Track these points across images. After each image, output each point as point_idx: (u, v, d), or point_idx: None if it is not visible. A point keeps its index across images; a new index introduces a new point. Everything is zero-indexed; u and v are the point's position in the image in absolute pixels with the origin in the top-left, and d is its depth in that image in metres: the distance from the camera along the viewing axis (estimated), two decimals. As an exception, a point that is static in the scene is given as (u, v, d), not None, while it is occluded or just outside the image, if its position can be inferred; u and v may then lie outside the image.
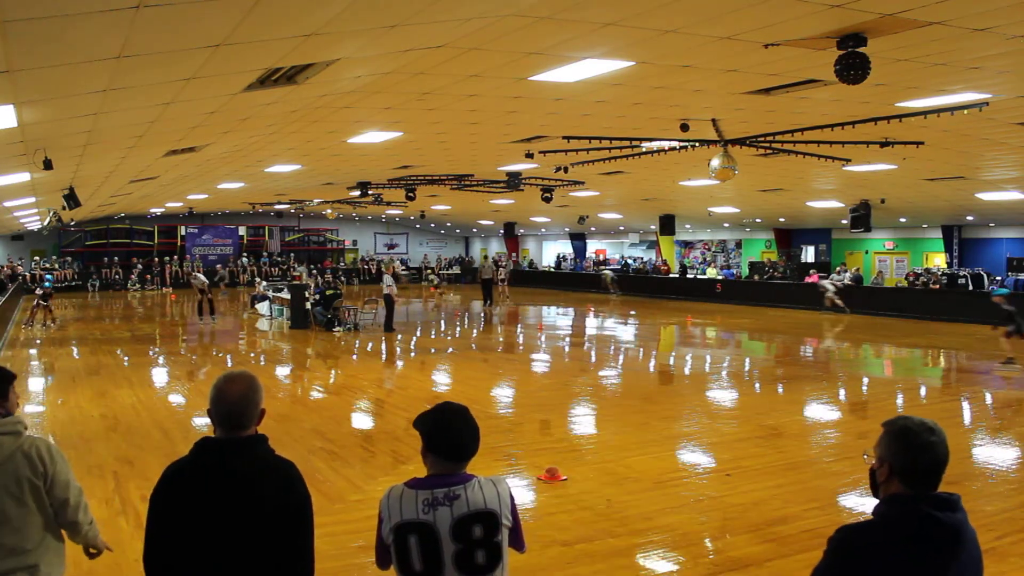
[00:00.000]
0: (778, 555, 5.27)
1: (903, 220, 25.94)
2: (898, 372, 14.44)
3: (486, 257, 33.05)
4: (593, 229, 38.12)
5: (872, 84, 7.40)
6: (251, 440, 2.53)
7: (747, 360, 15.36)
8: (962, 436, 8.64)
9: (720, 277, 30.82)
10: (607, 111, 10.24)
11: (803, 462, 7.66)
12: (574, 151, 12.58)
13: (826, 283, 24.34)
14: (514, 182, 18.58)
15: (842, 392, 11.65)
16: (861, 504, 6.33)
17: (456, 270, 43.55)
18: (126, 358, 14.63)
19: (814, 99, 9.31)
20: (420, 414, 2.62)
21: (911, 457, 2.11)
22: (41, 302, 19.60)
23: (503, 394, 11.54)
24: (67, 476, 3.08)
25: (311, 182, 21.39)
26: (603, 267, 36.07)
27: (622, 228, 37.32)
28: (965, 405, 10.71)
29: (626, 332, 20.29)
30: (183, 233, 39.46)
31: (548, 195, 19.98)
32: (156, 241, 39.08)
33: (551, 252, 44.99)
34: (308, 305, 19.43)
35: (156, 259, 37.98)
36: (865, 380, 13.04)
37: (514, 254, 44.35)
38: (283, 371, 13.68)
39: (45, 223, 23.13)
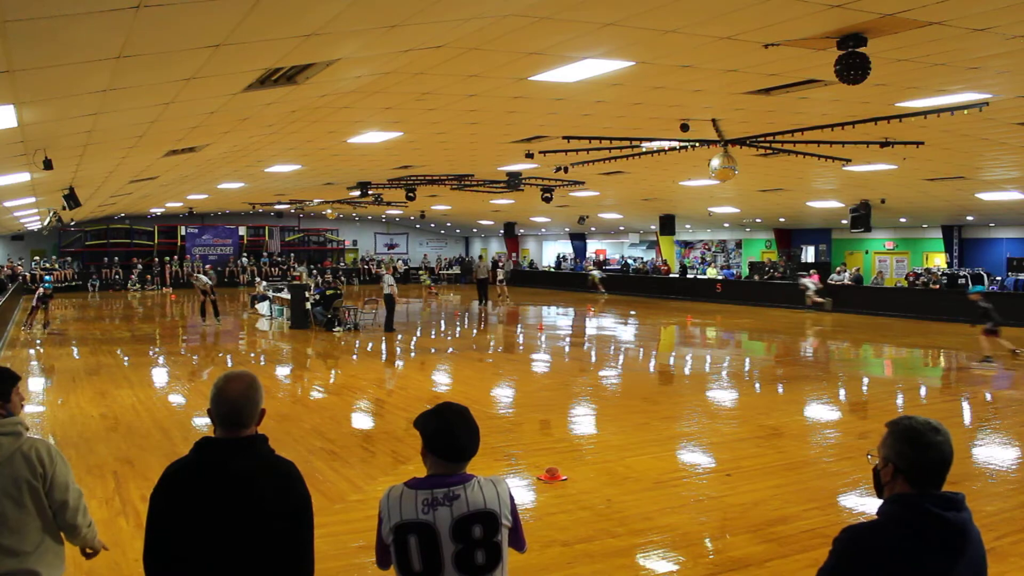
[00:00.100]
0: (778, 555, 5.27)
1: (903, 220, 25.95)
2: (898, 372, 14.45)
3: (481, 257, 33.44)
4: (593, 229, 38.13)
5: (872, 84, 7.41)
6: (251, 440, 2.54)
7: (747, 360, 15.36)
8: (962, 436, 8.64)
9: (720, 277, 30.83)
10: (607, 111, 10.24)
11: (803, 462, 7.66)
12: (574, 151, 12.58)
13: (806, 281, 24.84)
14: (514, 182, 18.57)
15: (842, 392, 11.64)
16: (861, 504, 6.33)
17: (456, 270, 43.57)
18: (126, 358, 14.63)
19: (814, 99, 9.31)
20: (420, 414, 2.62)
21: (916, 457, 2.11)
22: (40, 304, 18.90)
23: (503, 394, 11.54)
24: (66, 478, 3.07)
25: (311, 182, 21.39)
26: (590, 268, 36.33)
27: (622, 228, 37.32)
28: (965, 405, 10.72)
29: (626, 332, 20.29)
30: (183, 233, 39.47)
31: (548, 195, 19.98)
32: (156, 241, 39.10)
33: (551, 252, 44.99)
34: (308, 305, 19.43)
35: (156, 259, 37.99)
36: (865, 380, 13.04)
37: (514, 254, 44.36)
38: (283, 371, 13.68)
39: (45, 223, 23.15)
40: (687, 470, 7.51)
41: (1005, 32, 6.40)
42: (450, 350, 16.25)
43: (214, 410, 2.53)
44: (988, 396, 11.31)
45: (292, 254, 41.64)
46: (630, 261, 38.87)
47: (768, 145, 11.72)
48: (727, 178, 11.01)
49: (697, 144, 11.64)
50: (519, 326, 21.94)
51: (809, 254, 31.39)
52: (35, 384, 12.07)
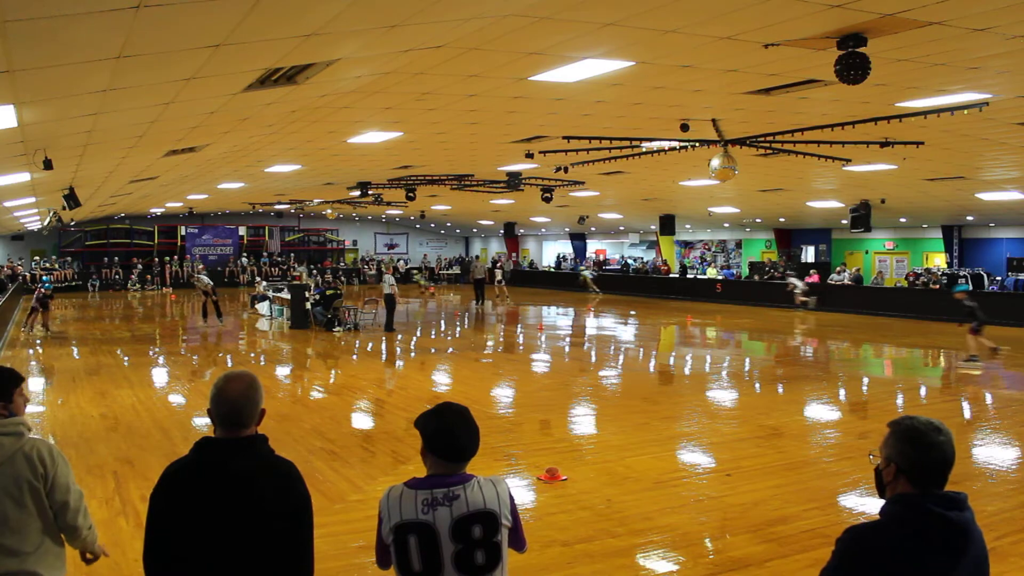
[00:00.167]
0: (778, 555, 5.27)
1: (903, 220, 25.95)
2: (898, 372, 14.46)
3: (477, 257, 33.78)
4: (593, 229, 38.13)
5: (872, 84, 7.41)
6: (251, 440, 2.54)
7: (747, 360, 15.36)
8: (962, 436, 8.64)
9: (720, 277, 30.83)
10: (607, 111, 10.24)
11: (803, 462, 7.66)
12: (574, 151, 12.59)
13: (795, 280, 25.43)
14: (514, 182, 18.58)
15: (842, 392, 11.64)
16: (861, 504, 6.33)
17: (456, 270, 43.58)
18: (126, 358, 14.63)
19: (814, 99, 9.31)
20: (421, 414, 2.62)
21: (919, 457, 2.11)
22: (38, 306, 18.19)
23: (503, 394, 11.54)
24: (67, 479, 3.07)
25: (311, 182, 21.39)
26: (581, 268, 36.53)
27: (622, 228, 37.32)
28: (965, 405, 10.72)
29: (626, 332, 20.30)
30: (183, 233, 39.48)
31: (548, 195, 19.98)
32: (156, 241, 39.11)
33: (551, 252, 44.99)
34: (308, 305, 19.44)
35: (156, 259, 38.00)
36: (865, 380, 13.04)
37: (514, 254, 44.36)
38: (283, 371, 13.68)
39: (45, 223, 23.16)
40: (687, 470, 7.51)
41: (1005, 32, 6.40)
42: (450, 350, 16.25)
43: (214, 410, 2.53)
44: (988, 396, 11.31)
45: (292, 254, 41.65)
46: (630, 261, 38.88)
47: (768, 145, 11.73)
48: (727, 178, 11.02)
49: (697, 144, 11.64)
50: (519, 326, 21.94)
51: (809, 254, 31.39)
52: (35, 384, 12.07)
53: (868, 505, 6.25)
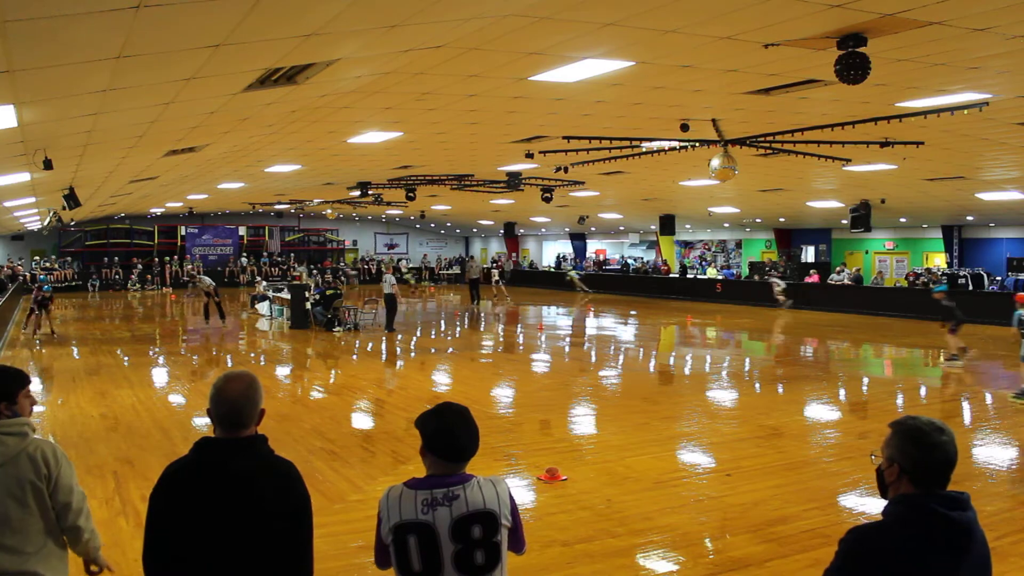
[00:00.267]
0: (778, 555, 5.27)
1: (903, 220, 25.96)
2: (898, 372, 14.45)
3: (472, 257, 34.07)
4: (593, 229, 38.13)
5: (872, 84, 7.41)
6: (251, 440, 2.54)
7: (747, 360, 15.36)
8: (962, 436, 8.64)
9: (720, 277, 30.84)
10: (607, 111, 10.24)
11: (803, 462, 7.66)
12: (574, 151, 12.59)
13: (776, 281, 26.05)
14: (514, 182, 18.58)
15: (842, 392, 11.64)
16: (861, 504, 6.34)
17: (456, 270, 43.59)
18: (126, 358, 14.63)
19: (814, 99, 9.31)
20: (421, 414, 2.62)
21: (922, 457, 2.11)
22: (36, 309, 17.79)
23: (503, 394, 11.54)
24: (71, 481, 3.07)
25: (311, 182, 21.40)
26: (569, 268, 36.61)
27: (622, 228, 37.33)
28: (965, 405, 10.72)
29: (626, 332, 20.30)
30: (183, 233, 39.49)
31: (548, 195, 19.98)
32: (156, 241, 39.11)
33: (551, 252, 44.99)
34: (308, 305, 19.44)
35: (156, 259, 38.00)
36: (865, 380, 13.04)
37: (514, 254, 44.36)
38: (283, 371, 13.68)
39: (45, 223, 23.17)
40: (687, 470, 7.50)
41: (1005, 32, 6.40)
42: (450, 350, 16.25)
43: (214, 410, 2.53)
44: (988, 397, 11.30)
45: (292, 254, 41.66)
46: (630, 261, 38.88)
47: (768, 145, 11.73)
48: (727, 178, 11.02)
49: (697, 144, 11.64)
50: (519, 326, 21.95)
51: (809, 254, 31.40)
52: (35, 384, 12.07)
53: (868, 505, 6.26)
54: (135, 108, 7.40)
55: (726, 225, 32.37)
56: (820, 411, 10.29)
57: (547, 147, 13.01)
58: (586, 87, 8.69)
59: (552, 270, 41.42)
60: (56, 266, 35.45)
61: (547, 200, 20.26)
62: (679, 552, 5.37)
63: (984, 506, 6.18)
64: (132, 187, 18.39)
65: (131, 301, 29.94)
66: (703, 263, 36.14)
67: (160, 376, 13.01)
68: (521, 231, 42.68)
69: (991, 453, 8.06)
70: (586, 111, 10.28)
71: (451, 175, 19.22)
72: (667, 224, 26.19)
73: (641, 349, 17.07)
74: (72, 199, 12.24)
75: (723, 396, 11.15)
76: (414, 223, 44.32)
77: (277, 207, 31.86)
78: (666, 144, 12.04)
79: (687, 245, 37.62)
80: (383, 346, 16.66)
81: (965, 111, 9.19)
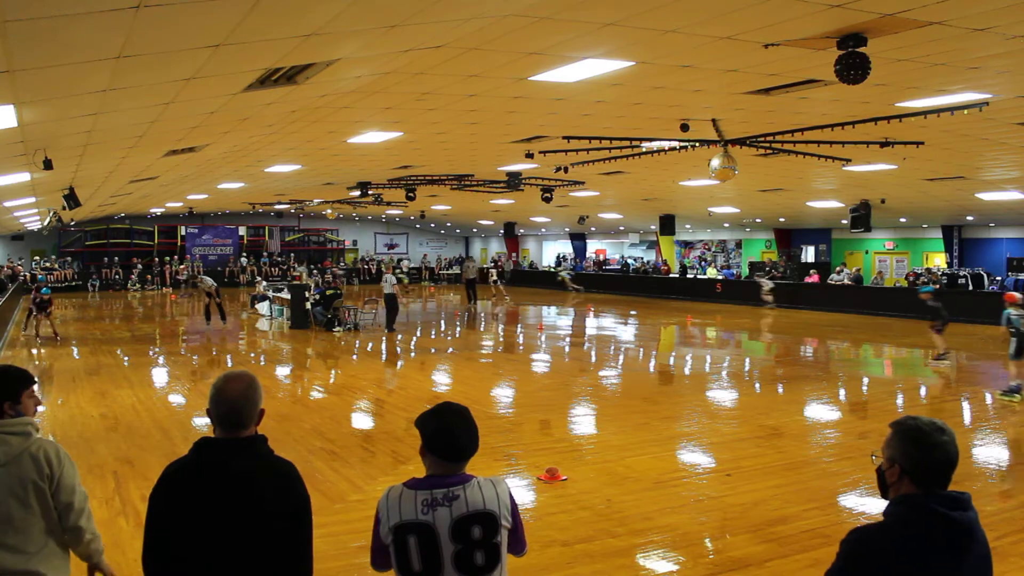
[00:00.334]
0: (778, 555, 5.27)
1: (903, 220, 25.95)
2: (898, 372, 14.46)
3: (469, 258, 34.28)
4: (593, 229, 38.13)
5: (872, 84, 7.41)
6: (251, 440, 2.54)
7: (747, 360, 15.36)
8: (962, 436, 8.63)
9: (720, 277, 30.84)
10: (607, 111, 10.24)
11: (803, 462, 7.66)
12: (574, 151, 12.58)
13: (763, 280, 26.46)
14: (514, 182, 18.57)
15: (842, 392, 11.64)
16: (861, 504, 6.34)
17: (456, 270, 43.59)
18: (126, 358, 14.63)
19: (814, 99, 9.31)
20: (421, 414, 2.62)
21: (922, 457, 2.11)
22: (35, 311, 17.49)
23: (503, 394, 11.54)
24: (73, 481, 3.07)
25: (311, 182, 21.39)
26: (560, 268, 36.66)
27: (622, 228, 37.33)
28: (965, 405, 10.72)
29: (626, 332, 20.30)
30: (183, 233, 39.49)
31: (548, 195, 19.98)
32: (156, 241, 39.11)
33: (551, 252, 44.99)
34: (308, 305, 19.44)
35: (156, 259, 38.00)
36: (865, 380, 13.04)
37: (514, 254, 44.36)
38: (283, 371, 13.68)
39: (45, 223, 23.17)
40: (687, 470, 7.50)
41: (1005, 32, 6.40)
42: (450, 350, 16.25)
43: (213, 410, 2.53)
44: (988, 396, 11.30)
45: (292, 254, 41.65)
46: (630, 261, 38.88)
47: (768, 145, 11.73)
48: (727, 178, 11.01)
49: (697, 144, 11.64)
50: (519, 326, 21.94)
51: (809, 254, 31.40)
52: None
53: (868, 505, 6.26)
54: (135, 108, 7.40)
55: (726, 225, 32.37)
56: (820, 411, 10.29)
57: (547, 147, 13.01)
58: (586, 87, 8.69)
59: (552, 270, 41.43)
60: (56, 266, 35.45)
61: (547, 200, 20.25)
62: (679, 552, 5.37)
63: (984, 506, 6.18)
64: (132, 187, 18.39)
65: (131, 301, 29.94)
66: (703, 263, 36.14)
67: (160, 376, 13.01)
68: (521, 231, 42.68)
69: (991, 453, 8.07)
70: (586, 111, 10.28)
71: (451, 175, 19.22)
72: (667, 224, 26.20)
73: (641, 349, 17.07)
74: (72, 199, 12.24)
75: (723, 396, 11.15)
76: (414, 223, 44.32)
77: (277, 207, 31.86)
78: (666, 144, 12.04)
79: (687, 245, 37.62)
80: (383, 346, 16.66)
81: (965, 111, 9.19)
